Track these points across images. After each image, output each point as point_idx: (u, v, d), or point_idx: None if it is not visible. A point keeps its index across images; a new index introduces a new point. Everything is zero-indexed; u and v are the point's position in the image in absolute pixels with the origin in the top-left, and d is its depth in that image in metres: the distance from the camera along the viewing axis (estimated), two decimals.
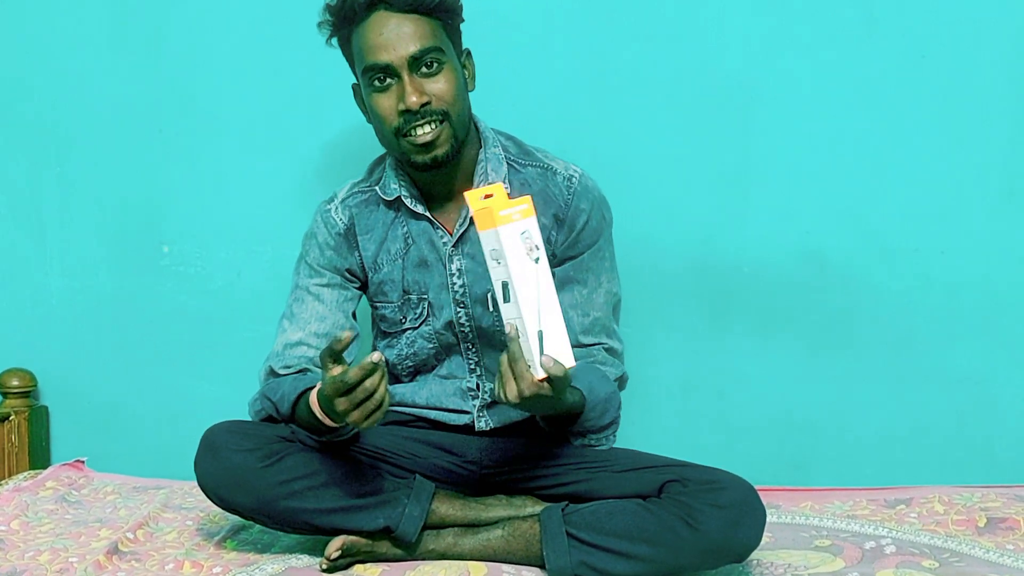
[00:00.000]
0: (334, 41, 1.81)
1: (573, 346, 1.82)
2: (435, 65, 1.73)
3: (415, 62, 1.72)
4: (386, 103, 1.75)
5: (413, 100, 1.71)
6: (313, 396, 1.67)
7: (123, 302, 2.46)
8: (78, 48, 2.41)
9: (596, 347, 1.87)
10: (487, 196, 1.56)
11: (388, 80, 1.74)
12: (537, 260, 1.55)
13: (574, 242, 1.85)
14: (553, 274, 1.84)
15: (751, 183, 2.26)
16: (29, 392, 2.45)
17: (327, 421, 1.66)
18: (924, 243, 2.23)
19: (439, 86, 1.74)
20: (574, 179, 1.86)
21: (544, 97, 2.26)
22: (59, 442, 2.52)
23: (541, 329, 1.54)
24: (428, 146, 1.74)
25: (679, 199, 2.27)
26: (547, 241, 1.83)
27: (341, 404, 1.55)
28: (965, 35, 2.17)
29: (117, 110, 2.41)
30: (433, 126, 1.74)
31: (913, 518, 1.97)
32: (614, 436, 1.83)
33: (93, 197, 2.44)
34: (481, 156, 1.84)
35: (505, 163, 1.85)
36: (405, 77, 1.72)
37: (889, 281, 2.24)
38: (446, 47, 1.76)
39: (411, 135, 1.74)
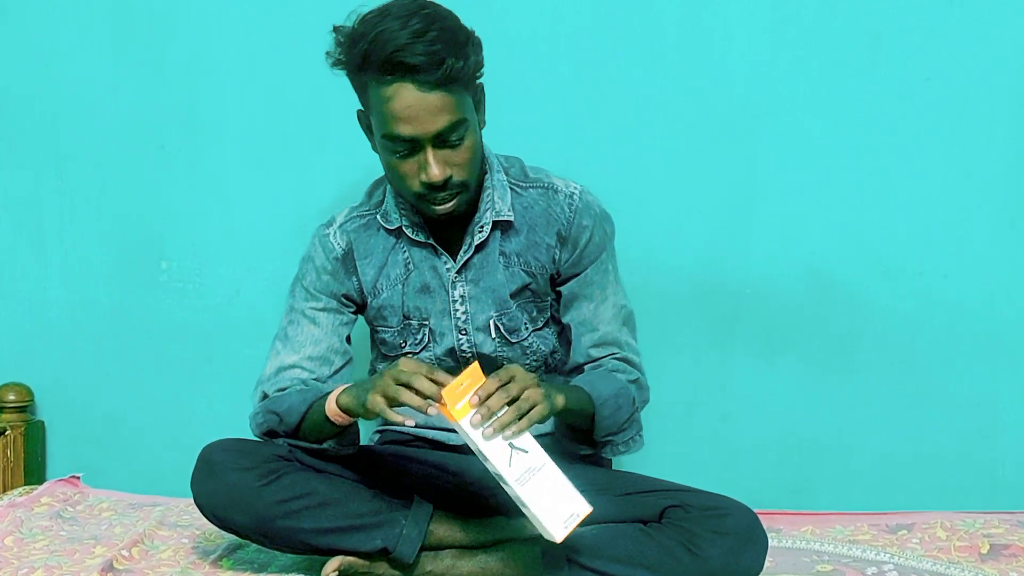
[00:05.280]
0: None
1: (584, 362, 1.84)
2: (459, 138, 1.69)
3: (440, 136, 1.67)
4: (407, 170, 1.70)
5: (436, 174, 1.67)
6: (334, 397, 1.66)
7: (122, 317, 2.45)
8: (80, 62, 2.41)
9: (607, 358, 1.86)
10: (463, 384, 1.54)
11: (409, 150, 1.69)
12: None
13: (578, 259, 1.84)
14: (559, 294, 1.85)
15: (756, 204, 2.25)
16: (26, 407, 2.43)
17: (340, 418, 1.65)
18: (928, 266, 2.22)
19: (461, 156, 1.70)
20: (575, 196, 1.84)
21: (549, 117, 2.26)
22: (55, 457, 2.51)
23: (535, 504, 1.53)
24: (446, 212, 1.74)
25: (683, 219, 2.26)
26: (551, 260, 1.83)
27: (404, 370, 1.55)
28: (970, 59, 2.17)
29: (119, 125, 2.41)
30: (452, 199, 1.72)
31: (915, 544, 1.95)
32: (640, 437, 1.83)
33: (93, 211, 2.44)
34: (487, 183, 1.83)
35: (508, 188, 1.84)
36: (428, 150, 1.67)
37: (893, 304, 2.23)
38: (468, 110, 1.69)
39: (431, 201, 1.72)
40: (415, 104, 1.63)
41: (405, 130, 1.65)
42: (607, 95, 2.25)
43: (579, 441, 1.80)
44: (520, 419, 1.53)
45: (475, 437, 1.53)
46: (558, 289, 1.87)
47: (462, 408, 1.53)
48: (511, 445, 1.53)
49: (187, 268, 2.42)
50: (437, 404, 1.53)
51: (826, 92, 2.20)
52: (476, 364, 1.58)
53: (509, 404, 1.53)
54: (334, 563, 1.71)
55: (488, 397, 1.52)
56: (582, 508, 1.54)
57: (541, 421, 1.56)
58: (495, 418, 1.52)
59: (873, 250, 2.23)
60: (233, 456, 1.71)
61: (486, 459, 1.53)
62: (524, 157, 1.90)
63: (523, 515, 1.74)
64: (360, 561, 1.72)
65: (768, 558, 1.67)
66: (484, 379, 1.55)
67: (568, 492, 1.54)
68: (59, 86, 2.42)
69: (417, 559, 1.72)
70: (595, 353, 1.86)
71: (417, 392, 1.53)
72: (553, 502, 1.53)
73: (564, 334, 1.91)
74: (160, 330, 2.44)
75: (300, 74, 2.26)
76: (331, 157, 2.31)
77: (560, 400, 1.63)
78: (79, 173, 2.44)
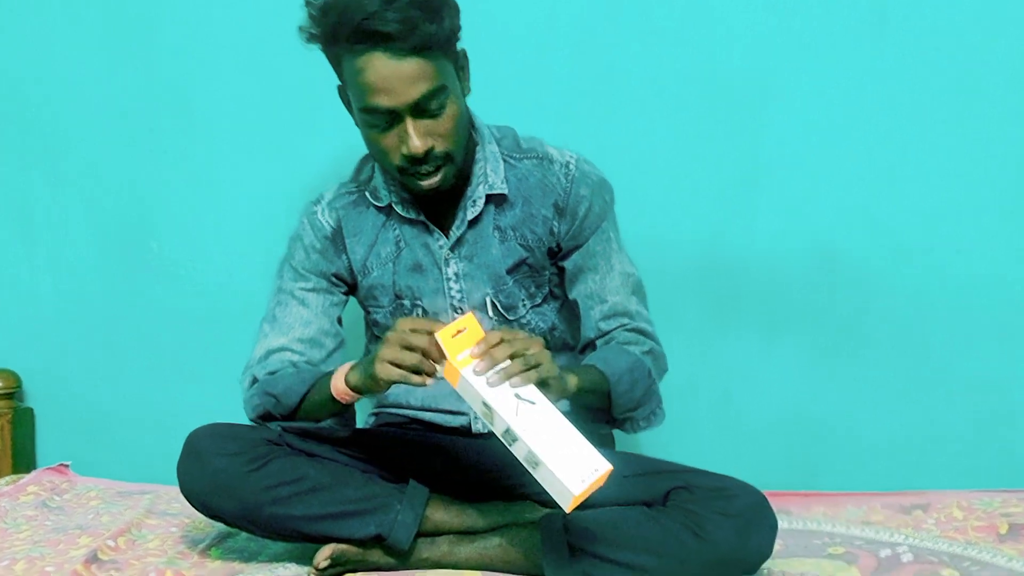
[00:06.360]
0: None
1: (595, 337, 1.78)
2: (439, 106, 1.63)
3: (418, 106, 1.62)
4: (387, 143, 1.65)
5: (417, 146, 1.62)
6: (341, 375, 1.62)
7: (111, 302, 2.44)
8: (68, 45, 2.39)
9: (617, 330, 1.81)
10: (459, 332, 1.48)
11: (389, 122, 1.64)
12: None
13: (578, 231, 1.79)
14: (561, 270, 1.80)
15: (760, 180, 2.21)
16: (13, 393, 2.42)
17: (348, 397, 1.62)
18: (938, 241, 2.18)
19: (443, 126, 1.65)
20: (571, 166, 1.80)
21: (548, 94, 2.22)
22: (44, 445, 2.49)
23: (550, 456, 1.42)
24: (431, 186, 1.68)
25: (686, 197, 2.23)
26: (549, 233, 1.79)
27: (403, 328, 1.51)
28: (979, 29, 2.11)
29: (107, 108, 2.39)
30: (437, 171, 1.67)
31: (931, 524, 1.91)
32: (660, 411, 1.79)
33: (82, 195, 2.43)
34: (479, 155, 1.78)
35: (501, 160, 1.79)
36: (408, 121, 1.62)
37: (902, 280, 2.19)
38: (448, 77, 1.64)
39: (414, 175, 1.67)
40: (390, 73, 1.58)
41: (382, 101, 1.60)
42: (606, 71, 2.21)
43: (598, 420, 1.76)
44: (527, 370, 1.46)
45: (478, 386, 1.44)
46: (561, 264, 1.83)
47: (464, 359, 1.46)
48: (517, 396, 1.45)
49: (178, 252, 2.40)
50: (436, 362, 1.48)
51: (832, 63, 2.16)
52: (471, 314, 1.51)
53: (512, 358, 1.47)
54: (326, 551, 1.66)
55: (493, 347, 1.46)
56: (602, 464, 1.43)
57: (554, 395, 1.50)
58: (500, 368, 1.46)
59: (881, 225, 2.19)
60: (220, 441, 1.67)
61: (491, 412, 1.43)
62: (517, 128, 1.85)
63: (523, 498, 1.73)
64: (353, 548, 1.67)
65: (778, 541, 1.62)
66: (483, 332, 1.48)
67: (584, 448, 1.44)
68: (46, 70, 2.40)
69: (413, 545, 1.68)
70: (605, 326, 1.81)
71: (423, 353, 1.48)
72: (569, 456, 1.42)
73: (563, 310, 1.87)
74: (151, 315, 2.42)
75: (291, 52, 2.18)
76: (325, 134, 2.27)
77: (573, 381, 1.58)
78: (67, 156, 2.41)
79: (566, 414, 1.47)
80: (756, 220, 2.22)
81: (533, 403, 1.45)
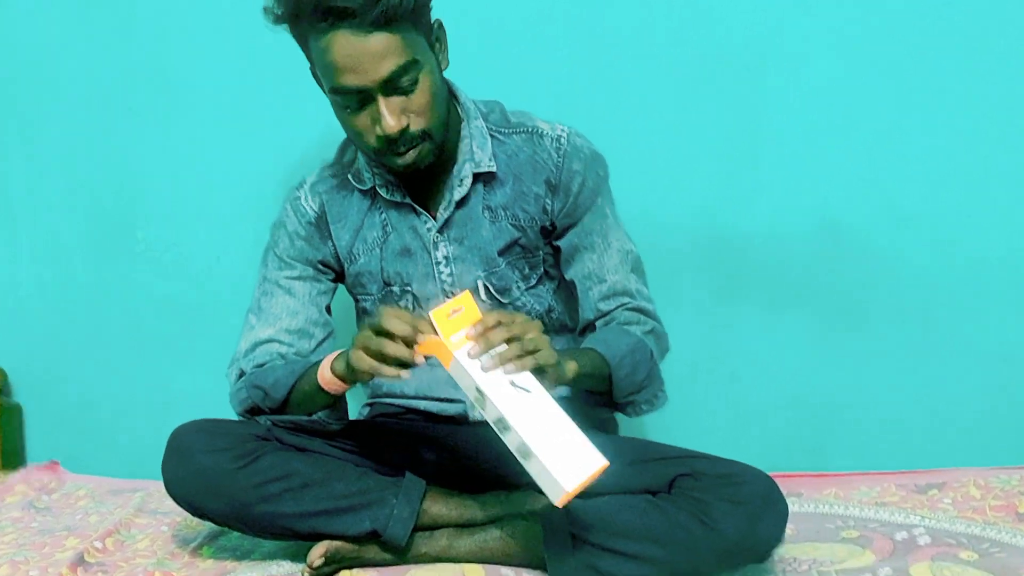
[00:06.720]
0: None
1: (594, 318, 1.73)
2: (411, 82, 1.57)
3: (389, 83, 1.55)
4: (361, 124, 1.60)
5: (391, 125, 1.56)
6: (327, 364, 1.56)
7: (97, 291, 2.39)
8: (42, 20, 2.32)
9: (617, 310, 1.75)
10: (455, 311, 1.42)
11: (360, 102, 1.58)
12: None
13: (572, 208, 1.74)
14: (557, 249, 1.75)
15: (760, 150, 2.14)
16: (0, 389, 2.37)
17: (335, 386, 1.56)
18: (947, 210, 2.11)
19: (417, 102, 1.58)
20: (562, 139, 1.74)
21: (536, 63, 2.15)
22: (34, 441, 2.45)
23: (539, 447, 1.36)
24: (410, 164, 1.62)
25: (682, 167, 2.16)
26: (542, 211, 1.73)
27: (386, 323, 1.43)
28: None
29: (85, 86, 2.32)
30: (414, 149, 1.61)
31: (947, 504, 1.87)
32: (663, 393, 1.73)
33: (62, 180, 2.37)
34: (464, 132, 1.72)
35: (488, 136, 1.73)
36: (380, 100, 1.56)
37: (910, 252, 2.13)
38: (418, 50, 1.57)
39: (392, 154, 1.61)
40: (355, 51, 1.52)
41: (349, 80, 1.55)
42: (597, 37, 2.14)
43: (599, 404, 1.71)
44: (524, 357, 1.40)
45: (472, 371, 1.39)
46: (556, 244, 1.77)
47: (458, 341, 1.40)
48: (513, 384, 1.39)
49: (164, 236, 2.34)
50: (427, 339, 1.41)
51: (834, 27, 2.09)
52: (468, 293, 1.45)
53: (509, 343, 1.41)
54: (320, 549, 1.61)
55: (488, 330, 1.40)
56: (596, 460, 1.38)
57: (552, 382, 1.44)
58: (496, 352, 1.40)
59: (887, 195, 2.12)
60: (205, 438, 1.62)
61: (484, 398, 1.38)
62: (506, 103, 1.79)
63: (523, 488, 1.68)
64: (348, 545, 1.63)
65: (789, 525, 1.58)
66: (480, 314, 1.42)
67: (580, 441, 1.39)
68: (21, 49, 2.34)
69: (410, 540, 1.63)
70: (605, 306, 1.75)
71: (402, 339, 1.42)
72: (562, 449, 1.37)
73: (560, 290, 1.82)
74: (138, 304, 2.37)
75: (274, 33, 2.15)
76: (313, 116, 2.16)
77: (572, 367, 1.52)
78: (45, 139, 2.36)
79: (564, 398, 1.41)
80: (757, 193, 2.15)
81: (528, 391, 1.40)
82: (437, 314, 1.41)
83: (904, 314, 2.15)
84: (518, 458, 1.38)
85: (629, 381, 1.65)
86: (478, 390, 1.38)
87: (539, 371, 1.42)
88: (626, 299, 1.76)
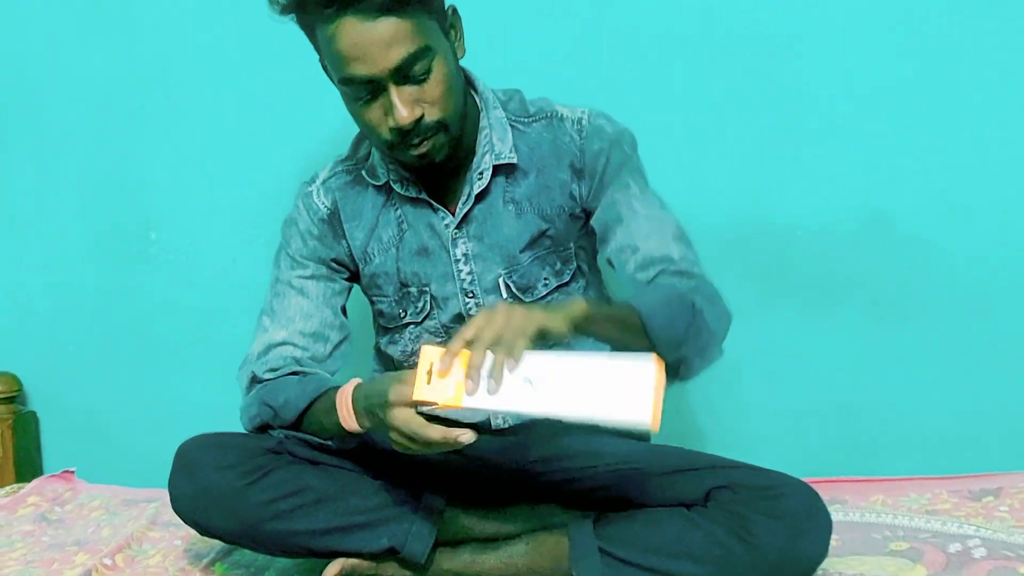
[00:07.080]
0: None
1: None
2: (424, 70, 1.50)
3: (400, 71, 1.48)
4: (372, 116, 1.53)
5: (403, 116, 1.49)
6: (347, 392, 1.48)
7: (110, 296, 2.36)
8: (49, 18, 2.30)
9: (657, 277, 1.60)
10: (427, 372, 1.32)
11: (371, 92, 1.51)
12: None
13: (599, 188, 1.65)
14: (594, 234, 1.66)
15: (803, 137, 2.09)
16: (14, 397, 2.35)
17: (352, 424, 1.47)
18: (1003, 198, 2.04)
19: (431, 91, 1.51)
20: (583, 121, 1.66)
21: (560, 49, 2.10)
22: (50, 450, 2.42)
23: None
24: (424, 156, 1.55)
25: (721, 158, 2.11)
26: (570, 198, 1.66)
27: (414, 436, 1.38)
28: None
29: (93, 88, 2.29)
30: (428, 140, 1.54)
31: (1004, 512, 1.79)
32: (718, 348, 1.60)
33: (71, 182, 2.33)
34: (483, 122, 1.65)
35: (509, 126, 1.66)
36: (391, 89, 1.49)
37: (964, 243, 2.06)
38: (431, 37, 1.51)
39: (405, 148, 1.54)
40: (363, 38, 1.46)
41: (358, 69, 1.48)
42: (626, 22, 2.08)
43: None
44: (511, 349, 1.30)
45: (486, 405, 1.31)
46: (592, 227, 1.68)
47: (453, 395, 1.31)
48: (528, 381, 1.29)
49: (178, 239, 2.31)
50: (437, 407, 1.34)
51: (880, 2, 2.02)
52: (423, 347, 1.35)
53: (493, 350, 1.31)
54: (335, 567, 1.56)
55: (471, 360, 1.30)
56: (647, 367, 1.28)
57: (560, 335, 1.34)
58: (487, 370, 1.30)
59: (939, 182, 2.05)
60: (212, 453, 1.56)
61: (512, 414, 1.35)
62: (529, 93, 1.73)
63: (549, 502, 1.63)
64: (365, 563, 1.58)
65: (833, 536, 1.50)
66: (443, 350, 1.32)
67: (622, 368, 1.29)
68: (28, 50, 2.32)
69: (431, 556, 1.58)
70: (643, 276, 1.60)
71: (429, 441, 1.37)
72: (614, 391, 1.28)
73: (590, 288, 1.73)
74: (153, 308, 2.33)
75: (285, 28, 2.10)
76: (328, 114, 2.12)
77: (578, 308, 1.39)
78: (53, 139, 2.33)
79: None
80: (800, 181, 2.10)
81: (546, 373, 1.30)
82: (418, 392, 1.32)
83: (957, 309, 2.08)
84: (587, 427, 1.31)
85: (668, 333, 1.48)
86: (505, 411, 1.35)
87: (541, 338, 1.32)
88: (664, 265, 1.61)
